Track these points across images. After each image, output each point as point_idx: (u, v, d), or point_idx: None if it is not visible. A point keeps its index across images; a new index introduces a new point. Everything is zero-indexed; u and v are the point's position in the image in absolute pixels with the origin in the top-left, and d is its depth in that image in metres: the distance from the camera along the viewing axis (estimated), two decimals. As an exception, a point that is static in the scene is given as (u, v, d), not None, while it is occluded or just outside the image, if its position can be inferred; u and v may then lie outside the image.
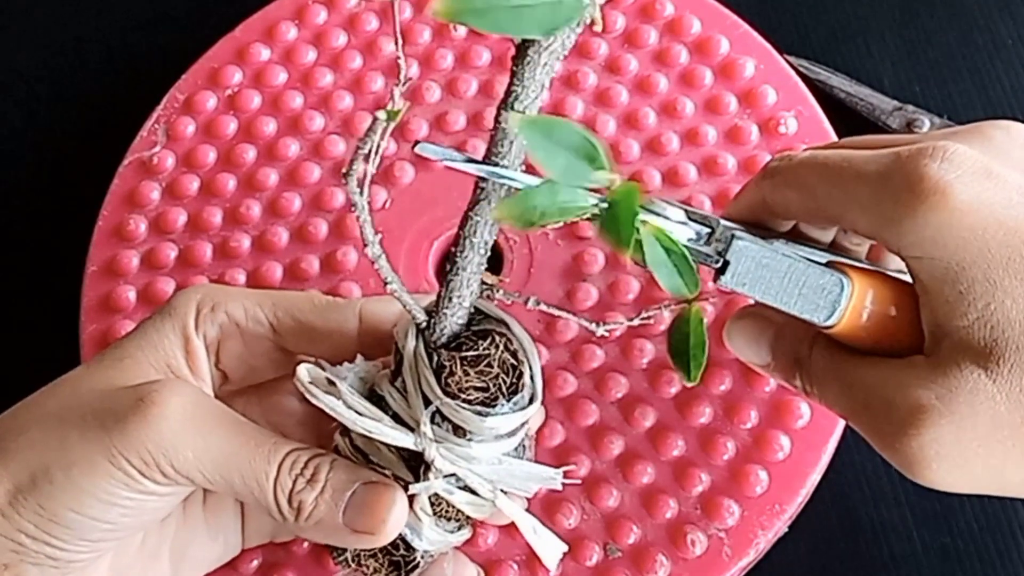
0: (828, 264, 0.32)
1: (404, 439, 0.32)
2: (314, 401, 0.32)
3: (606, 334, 0.43)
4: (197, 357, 0.34)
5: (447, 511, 0.33)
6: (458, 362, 0.31)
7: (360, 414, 0.32)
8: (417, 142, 0.33)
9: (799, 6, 0.54)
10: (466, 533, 0.34)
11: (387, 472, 0.33)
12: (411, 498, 0.32)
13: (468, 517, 0.34)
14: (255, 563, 0.41)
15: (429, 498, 0.32)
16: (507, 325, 0.32)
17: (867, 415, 0.32)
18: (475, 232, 0.30)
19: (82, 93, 0.56)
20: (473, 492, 0.33)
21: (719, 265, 0.32)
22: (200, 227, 0.48)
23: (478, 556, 0.40)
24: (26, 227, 0.53)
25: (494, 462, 0.32)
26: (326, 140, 0.49)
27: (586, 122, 0.48)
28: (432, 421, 0.31)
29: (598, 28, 0.27)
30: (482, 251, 0.30)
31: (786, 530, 0.41)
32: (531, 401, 0.32)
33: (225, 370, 0.35)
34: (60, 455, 0.30)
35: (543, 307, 0.34)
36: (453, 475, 0.32)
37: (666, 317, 0.43)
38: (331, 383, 0.32)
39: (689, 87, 0.49)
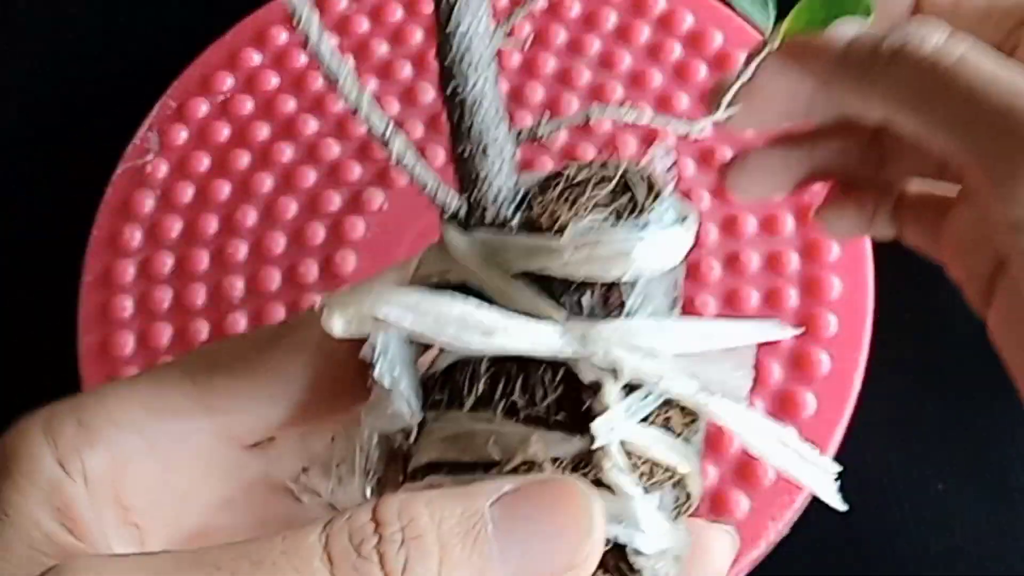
0: None
1: (547, 333, 0.20)
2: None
3: None
4: (74, 511, 0.22)
5: (642, 469, 0.22)
6: (548, 201, 0.21)
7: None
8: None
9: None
10: (685, 531, 0.23)
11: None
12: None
13: (673, 477, 0.22)
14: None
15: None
16: None
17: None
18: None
19: (73, 102, 0.56)
20: (665, 427, 0.22)
21: None
22: (196, 235, 0.48)
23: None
24: (19, 239, 0.52)
25: (669, 342, 0.22)
26: (321, 143, 0.49)
27: (582, 118, 0.48)
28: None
29: None
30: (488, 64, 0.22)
31: (787, 531, 0.41)
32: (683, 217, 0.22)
33: (132, 508, 0.23)
34: None
35: None
36: (632, 389, 0.21)
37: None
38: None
39: (683, 81, 0.49)
